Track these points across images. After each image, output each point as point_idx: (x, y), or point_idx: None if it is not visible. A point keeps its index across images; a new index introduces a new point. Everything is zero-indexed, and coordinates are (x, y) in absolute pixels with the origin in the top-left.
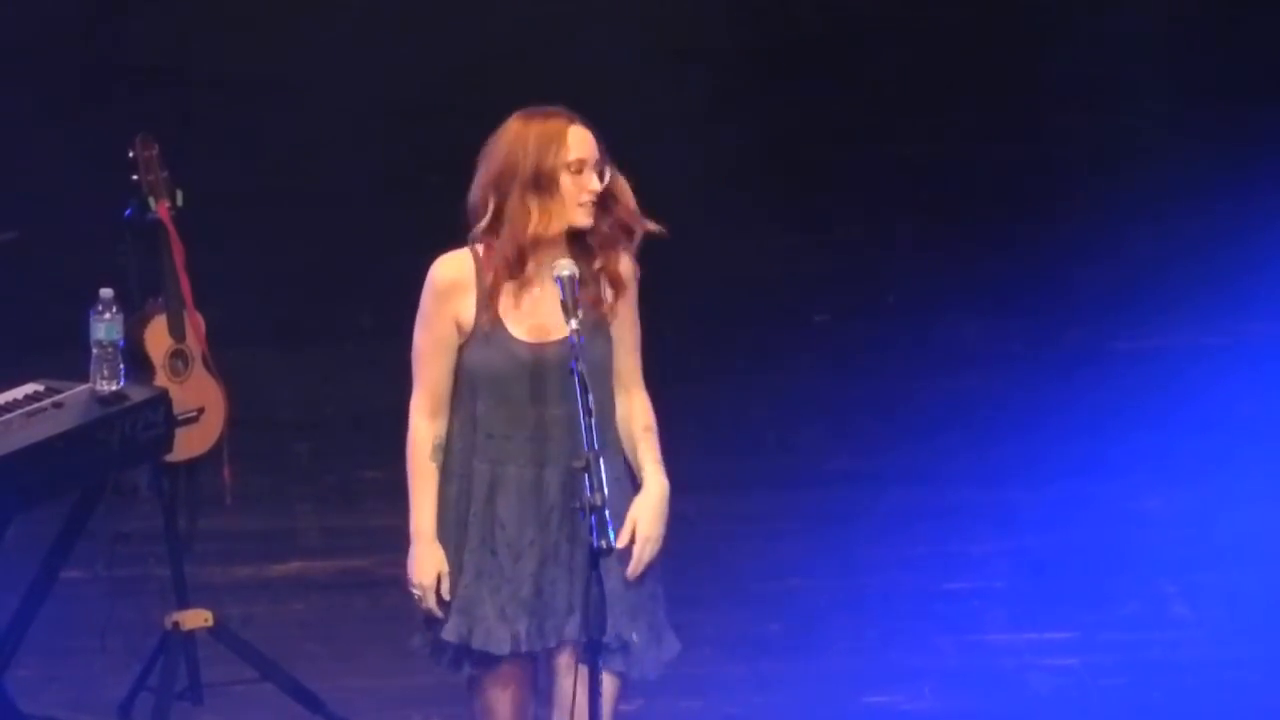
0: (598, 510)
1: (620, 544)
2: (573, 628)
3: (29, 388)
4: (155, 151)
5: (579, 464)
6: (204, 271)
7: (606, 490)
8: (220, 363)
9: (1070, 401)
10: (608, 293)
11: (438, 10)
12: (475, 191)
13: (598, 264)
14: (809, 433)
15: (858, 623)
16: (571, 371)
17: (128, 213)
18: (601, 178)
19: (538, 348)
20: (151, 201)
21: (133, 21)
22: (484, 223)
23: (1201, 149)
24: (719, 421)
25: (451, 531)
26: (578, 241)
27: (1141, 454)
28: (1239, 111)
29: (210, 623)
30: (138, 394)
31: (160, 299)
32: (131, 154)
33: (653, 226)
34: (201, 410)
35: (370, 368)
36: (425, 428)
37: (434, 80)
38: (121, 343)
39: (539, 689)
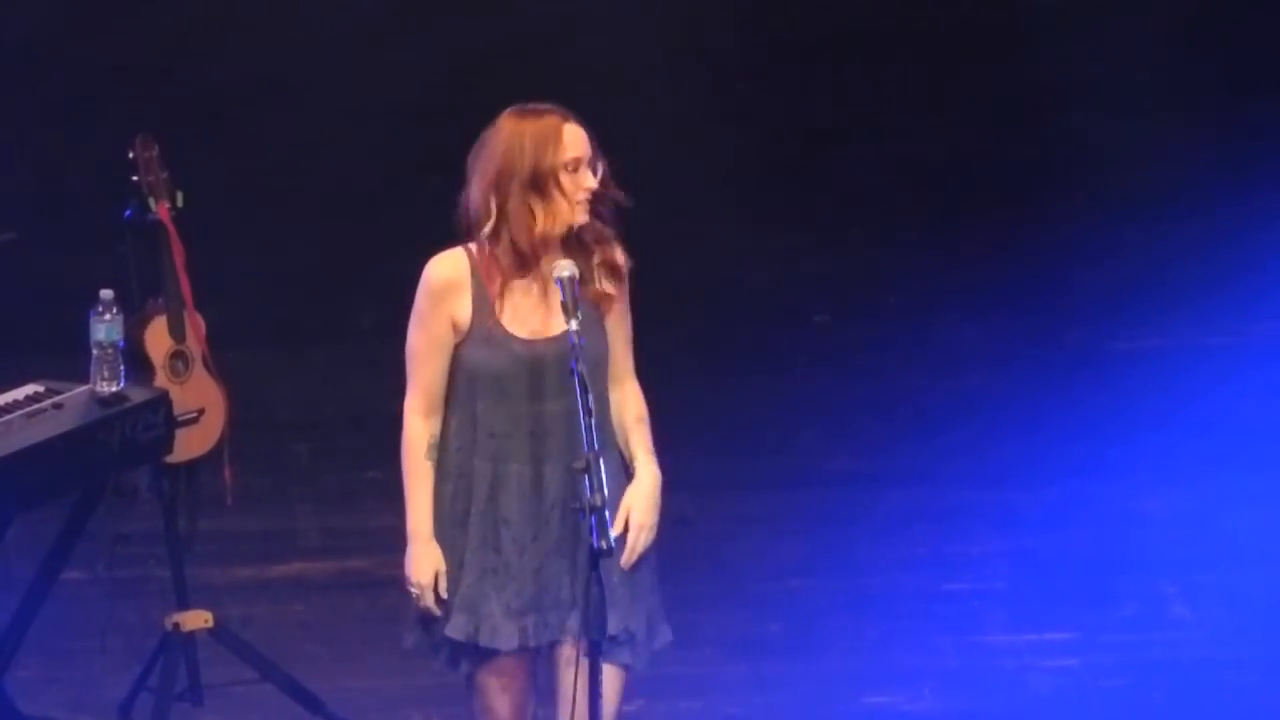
0: (598, 511)
1: (615, 533)
2: (576, 621)
3: (29, 388)
4: (155, 152)
5: (579, 465)
6: (204, 272)
7: (606, 490)
8: (220, 363)
9: (1070, 402)
10: (606, 285)
11: (438, 10)
12: (475, 193)
13: (596, 258)
14: (809, 433)
15: (858, 623)
16: (571, 372)
17: (128, 213)
18: (595, 174)
19: (535, 345)
20: (152, 202)
21: (133, 21)
22: (490, 225)
23: (1201, 149)
24: (719, 422)
25: (448, 530)
26: (572, 237)
27: (1142, 454)
28: (1239, 111)
29: (210, 624)
30: (138, 395)
31: (160, 300)
32: (131, 155)
33: (620, 196)
34: (202, 411)
35: (370, 368)
36: (420, 427)
37: (434, 80)
38: (122, 344)
39: (539, 686)
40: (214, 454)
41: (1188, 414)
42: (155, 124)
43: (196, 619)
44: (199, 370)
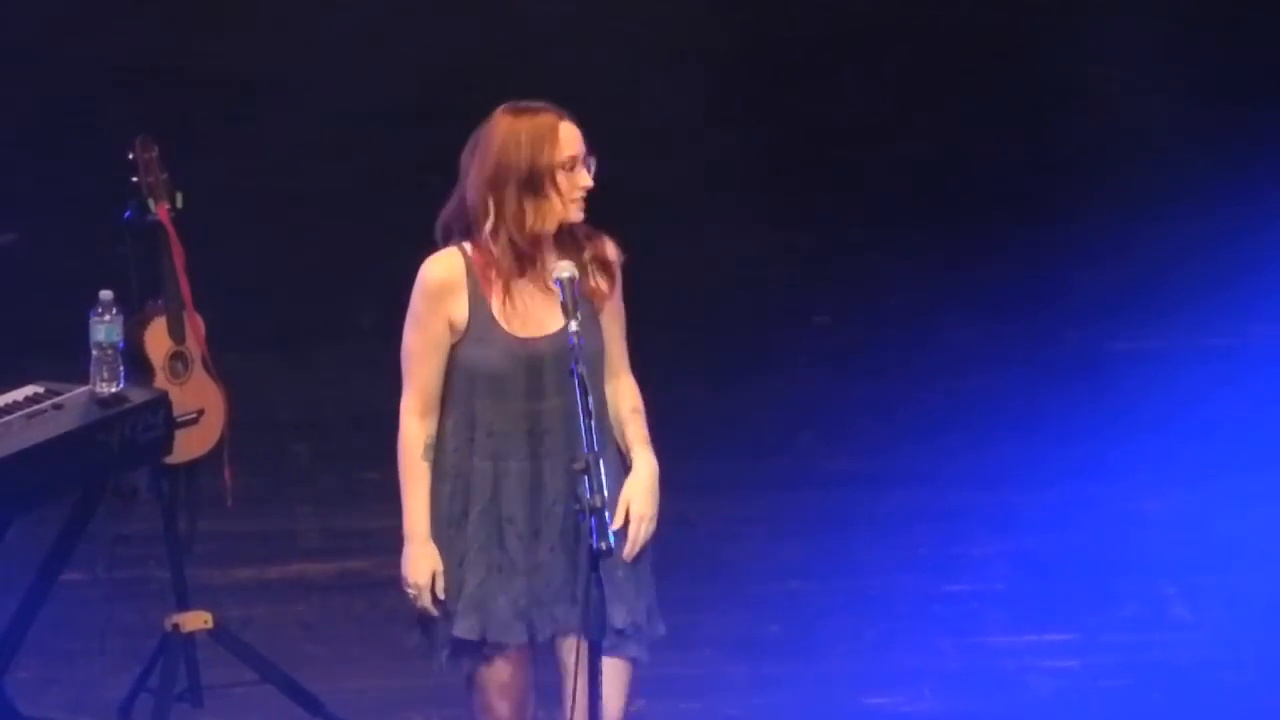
0: (598, 513)
1: (615, 526)
2: (577, 616)
3: (29, 389)
4: (155, 153)
5: (579, 466)
6: (204, 272)
7: (606, 491)
8: (220, 364)
9: (1070, 403)
10: (601, 281)
11: (438, 10)
12: (472, 191)
13: (586, 254)
14: (809, 434)
15: (858, 624)
16: (571, 373)
17: (128, 214)
18: (590, 171)
19: (532, 343)
20: (151, 203)
21: (133, 21)
22: (489, 223)
23: (1202, 149)
24: (719, 423)
25: (446, 531)
26: (564, 234)
27: (1142, 456)
28: (1239, 112)
29: (210, 624)
30: (137, 396)
31: (160, 301)
32: (131, 156)
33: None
34: (201, 412)
35: (370, 368)
36: (416, 428)
37: (434, 80)
38: (121, 345)
39: (539, 685)
40: (214, 455)
41: (1188, 415)
42: (155, 124)
43: (196, 620)
44: (198, 371)
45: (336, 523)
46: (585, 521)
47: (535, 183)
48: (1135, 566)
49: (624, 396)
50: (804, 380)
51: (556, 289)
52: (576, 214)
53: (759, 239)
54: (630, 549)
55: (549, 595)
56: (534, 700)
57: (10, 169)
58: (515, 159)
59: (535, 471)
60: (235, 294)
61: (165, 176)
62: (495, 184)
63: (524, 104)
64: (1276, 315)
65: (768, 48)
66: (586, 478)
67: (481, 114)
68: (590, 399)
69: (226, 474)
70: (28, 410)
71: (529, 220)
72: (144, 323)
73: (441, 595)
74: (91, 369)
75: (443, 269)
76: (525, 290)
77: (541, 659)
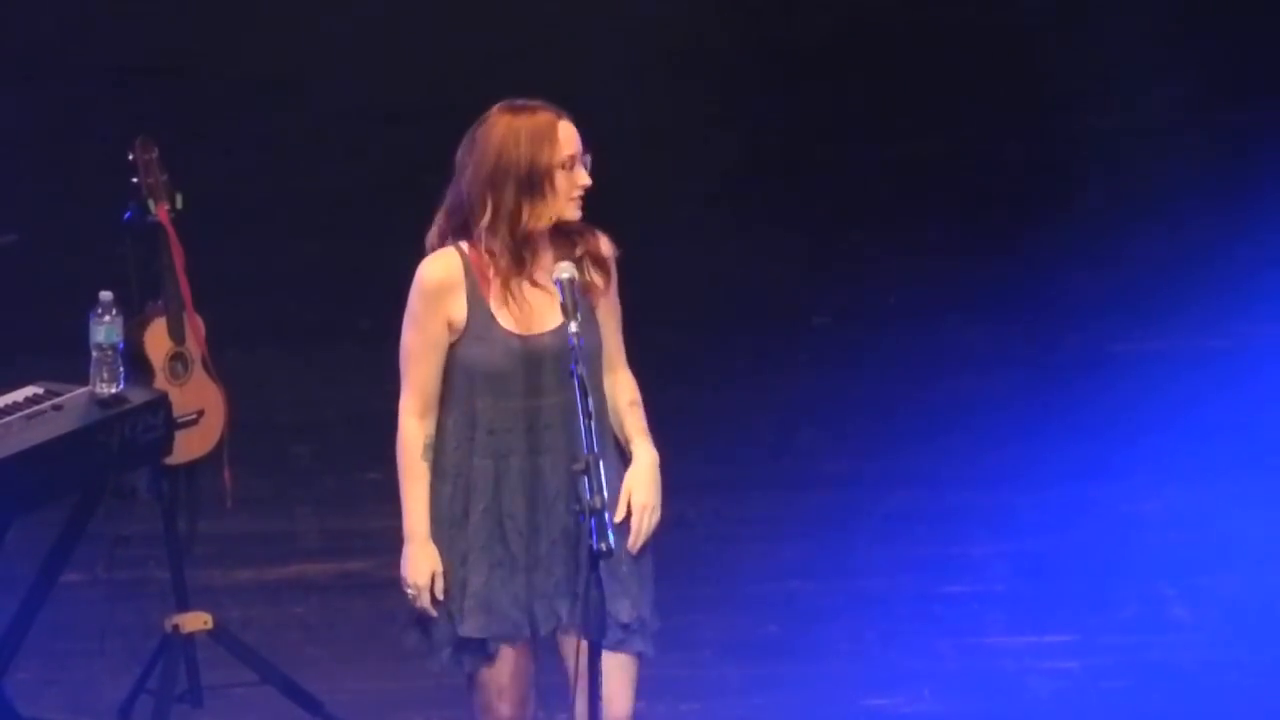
0: (598, 513)
1: (617, 518)
2: (579, 612)
3: (29, 390)
4: (155, 154)
5: (579, 466)
6: (204, 273)
7: (606, 492)
8: (220, 365)
9: (1070, 404)
10: (596, 276)
11: (437, 10)
12: (470, 190)
13: (579, 250)
14: (808, 435)
15: (857, 625)
16: (571, 373)
17: (128, 215)
18: (587, 169)
19: (530, 340)
20: (151, 204)
21: (133, 21)
22: (486, 221)
23: (1204, 150)
24: (718, 423)
25: (446, 530)
26: (558, 230)
27: (1142, 457)
28: (1241, 112)
29: (210, 625)
30: (137, 397)
31: (160, 302)
32: (131, 156)
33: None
34: (201, 413)
35: (370, 369)
36: (415, 428)
37: (434, 80)
38: (121, 345)
39: (539, 685)
40: (213, 456)
41: (1188, 417)
42: (155, 124)
43: (196, 620)
44: (198, 372)
45: (336, 523)
46: (585, 523)
47: (534, 182)
48: (1135, 568)
49: (622, 389)
50: (804, 380)
51: (556, 289)
52: (574, 213)
53: (759, 239)
54: (634, 539)
55: (550, 589)
56: (534, 700)
57: (10, 169)
58: (514, 158)
59: (535, 467)
60: (235, 294)
61: (165, 177)
62: (494, 183)
63: (521, 102)
64: (1277, 317)
65: (767, 47)
66: (586, 478)
67: (481, 114)
68: (590, 400)
69: (226, 475)
70: (28, 411)
71: (527, 219)
72: (144, 323)
73: (441, 595)
74: (91, 370)
75: (440, 269)
76: (523, 287)
77: (542, 659)
